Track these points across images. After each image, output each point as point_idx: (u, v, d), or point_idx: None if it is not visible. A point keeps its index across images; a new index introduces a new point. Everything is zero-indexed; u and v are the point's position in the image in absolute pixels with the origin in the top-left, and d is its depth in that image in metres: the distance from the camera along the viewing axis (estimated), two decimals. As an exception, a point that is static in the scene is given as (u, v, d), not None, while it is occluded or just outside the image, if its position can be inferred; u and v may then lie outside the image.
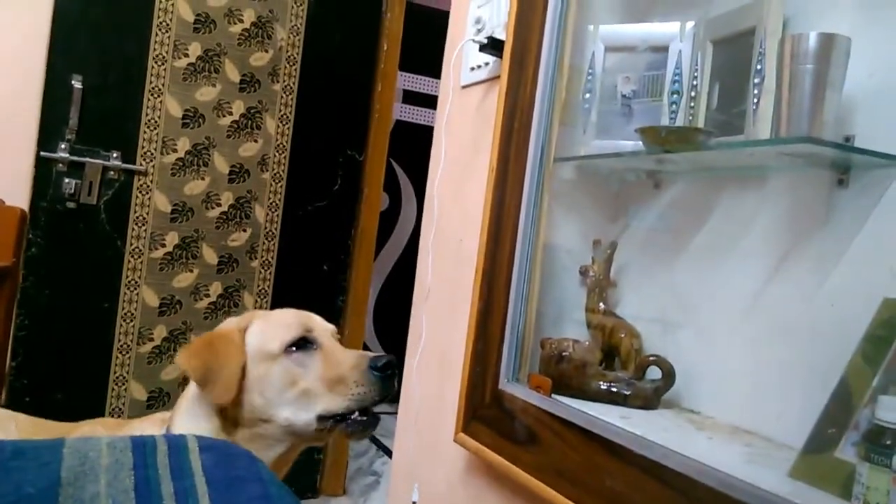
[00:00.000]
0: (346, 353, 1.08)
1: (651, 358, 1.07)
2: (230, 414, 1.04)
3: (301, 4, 2.30)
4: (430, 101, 3.91)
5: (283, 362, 1.04)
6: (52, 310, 2.03)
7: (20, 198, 2.02)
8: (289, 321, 1.09)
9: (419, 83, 3.94)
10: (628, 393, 1.06)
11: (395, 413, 3.52)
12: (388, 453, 3.10)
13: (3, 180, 2.05)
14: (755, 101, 0.99)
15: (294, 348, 1.05)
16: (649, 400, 1.06)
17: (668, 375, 1.05)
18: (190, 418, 1.06)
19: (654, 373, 1.08)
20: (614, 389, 1.06)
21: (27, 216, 2.01)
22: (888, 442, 0.67)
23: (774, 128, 0.88)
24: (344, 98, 2.45)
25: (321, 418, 1.03)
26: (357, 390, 1.03)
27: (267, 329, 1.07)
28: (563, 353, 1.08)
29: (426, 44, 3.39)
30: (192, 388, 1.08)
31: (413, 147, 3.52)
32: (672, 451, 0.82)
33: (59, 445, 0.75)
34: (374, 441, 3.26)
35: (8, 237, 2.01)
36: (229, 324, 1.11)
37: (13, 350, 1.99)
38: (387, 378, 1.05)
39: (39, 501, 0.64)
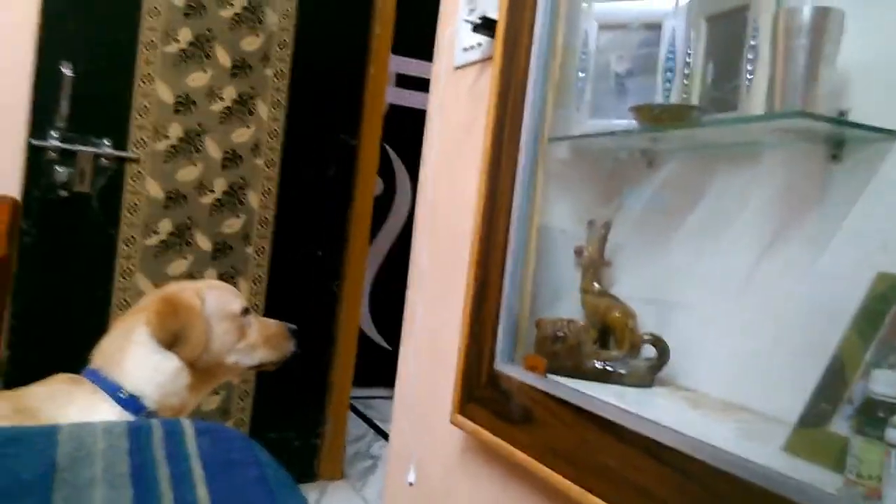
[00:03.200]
0: (268, 320, 1.42)
1: (646, 336, 1.07)
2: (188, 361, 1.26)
3: (291, -12, 2.28)
4: (423, 85, 3.88)
5: (240, 321, 1.33)
6: (46, 299, 2.02)
7: (12, 188, 2.00)
8: (236, 293, 1.39)
9: (412, 67, 3.92)
10: (623, 371, 1.06)
11: (392, 397, 3.54)
12: (386, 437, 3.11)
13: (-5, 169, 2.04)
14: (749, 76, 0.98)
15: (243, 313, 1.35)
16: (644, 378, 1.06)
17: (663, 353, 1.05)
18: (150, 369, 1.22)
19: (649, 351, 1.08)
20: (609, 368, 1.06)
21: (20, 206, 2.00)
22: (881, 415, 0.67)
23: (769, 103, 0.88)
24: (336, 82, 2.43)
25: (259, 364, 1.36)
26: (287, 345, 1.40)
27: (224, 296, 1.34)
28: (559, 334, 1.09)
29: (419, 26, 3.37)
30: (141, 341, 1.23)
31: (407, 131, 3.50)
32: (666, 427, 0.82)
33: (55, 431, 0.75)
34: (372, 425, 3.28)
35: (1, 227, 2.00)
36: (185, 291, 1.31)
37: (8, 341, 1.99)
38: (297, 341, 1.42)
39: (34, 487, 0.64)
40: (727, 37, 1.06)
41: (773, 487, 0.69)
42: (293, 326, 1.43)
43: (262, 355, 1.36)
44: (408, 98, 3.94)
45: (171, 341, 1.23)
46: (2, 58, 1.99)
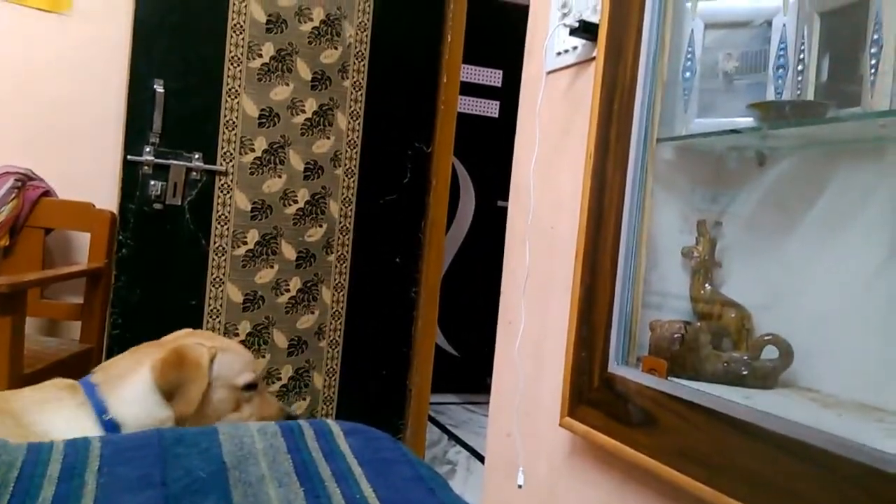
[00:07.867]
0: (270, 402, 1.39)
1: (767, 337, 1.06)
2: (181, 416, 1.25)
3: (368, 0, 2.32)
4: (481, 91, 3.92)
5: (239, 395, 1.32)
6: (143, 308, 2.10)
7: (109, 201, 2.09)
8: (247, 361, 1.37)
9: (469, 73, 3.94)
10: (745, 373, 1.04)
11: (461, 403, 3.52)
12: (459, 442, 3.13)
13: (94, 184, 2.13)
14: (872, 71, 0.96)
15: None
16: (767, 379, 1.04)
17: (787, 354, 1.04)
18: (140, 408, 1.22)
19: (769, 352, 1.06)
20: (731, 370, 1.05)
21: (117, 218, 2.09)
22: None
23: (905, 97, 0.86)
24: (411, 91, 2.47)
25: None
26: None
27: (233, 363, 1.34)
28: (675, 335, 1.08)
29: (479, 34, 3.39)
30: (143, 379, 1.24)
31: (468, 137, 3.52)
32: (812, 427, 0.81)
33: (214, 432, 0.78)
34: (445, 431, 3.29)
35: (100, 239, 2.09)
36: (196, 349, 1.30)
37: (108, 348, 2.07)
38: None
39: (213, 484, 0.67)
40: (844, 32, 1.04)
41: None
42: (292, 414, 1.32)
43: None
44: (467, 105, 3.96)
45: (169, 392, 1.23)
46: (99, 78, 2.08)
